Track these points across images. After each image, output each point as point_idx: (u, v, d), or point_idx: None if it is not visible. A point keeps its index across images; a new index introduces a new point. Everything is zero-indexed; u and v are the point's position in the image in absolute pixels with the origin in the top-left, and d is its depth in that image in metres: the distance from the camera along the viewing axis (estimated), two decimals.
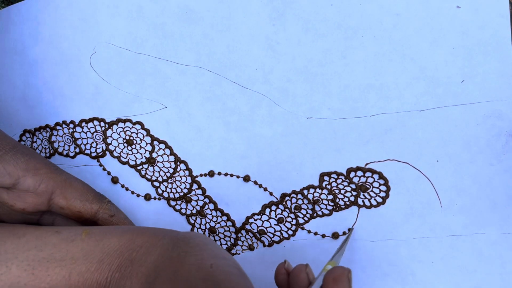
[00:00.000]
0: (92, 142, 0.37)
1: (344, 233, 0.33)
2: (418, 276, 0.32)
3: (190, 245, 0.27)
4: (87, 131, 0.37)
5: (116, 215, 0.33)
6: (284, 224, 0.35)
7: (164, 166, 0.36)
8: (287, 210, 0.34)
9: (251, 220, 0.35)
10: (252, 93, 0.33)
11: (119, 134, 0.36)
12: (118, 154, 0.37)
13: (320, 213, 0.34)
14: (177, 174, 0.36)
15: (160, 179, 0.36)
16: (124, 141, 0.36)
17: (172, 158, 0.35)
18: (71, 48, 0.36)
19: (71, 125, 0.37)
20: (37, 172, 0.30)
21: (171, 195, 0.36)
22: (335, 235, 0.33)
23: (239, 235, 0.36)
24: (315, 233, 0.34)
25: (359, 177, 0.32)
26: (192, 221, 0.37)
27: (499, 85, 0.29)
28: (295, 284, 0.26)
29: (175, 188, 0.36)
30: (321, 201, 0.33)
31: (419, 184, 0.31)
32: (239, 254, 0.36)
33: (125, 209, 0.37)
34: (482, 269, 0.31)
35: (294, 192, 0.33)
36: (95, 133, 0.37)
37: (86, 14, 0.35)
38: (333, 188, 0.33)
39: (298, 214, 0.34)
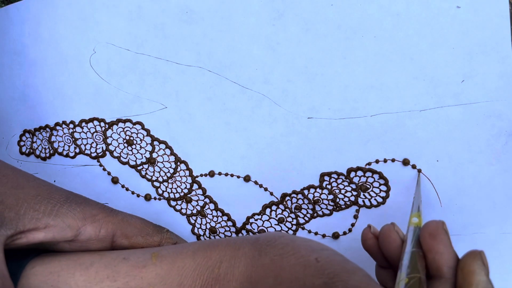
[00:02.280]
0: (92, 142, 0.37)
1: (344, 233, 0.33)
2: None
3: (279, 246, 0.25)
4: (87, 131, 0.37)
5: (178, 242, 0.32)
6: (284, 224, 0.35)
7: (164, 166, 0.36)
8: (287, 210, 0.34)
9: (251, 220, 0.35)
10: (252, 93, 0.33)
11: (119, 134, 0.36)
12: (118, 154, 0.37)
13: (320, 213, 0.34)
14: (177, 174, 0.36)
15: (160, 179, 0.36)
16: (124, 141, 0.36)
17: (172, 158, 0.35)
18: (71, 48, 0.36)
19: (71, 125, 0.37)
20: (95, 218, 0.29)
21: (172, 195, 0.36)
22: (335, 235, 0.34)
23: (240, 235, 0.36)
24: (316, 233, 0.34)
25: (359, 177, 0.32)
26: (193, 221, 0.37)
27: (499, 85, 0.29)
28: (387, 245, 0.25)
29: (175, 188, 0.36)
30: (321, 201, 0.33)
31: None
32: None
33: (126, 209, 0.37)
34: None
35: (294, 192, 0.34)
36: (95, 133, 0.37)
37: (85, 14, 0.35)
38: (334, 188, 0.33)
39: (299, 214, 0.34)
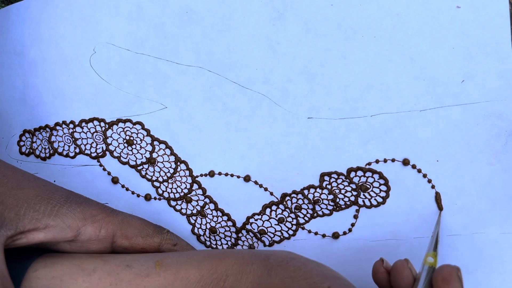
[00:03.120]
0: (92, 142, 0.37)
1: (344, 233, 0.33)
2: None
3: (291, 268, 0.25)
4: (87, 131, 0.37)
5: (178, 243, 0.32)
6: (284, 224, 0.35)
7: (164, 166, 0.36)
8: (287, 210, 0.34)
9: (251, 220, 0.35)
10: (252, 93, 0.33)
11: (119, 134, 0.36)
12: (118, 154, 0.37)
13: (320, 213, 0.34)
14: (177, 174, 0.36)
15: (160, 179, 0.36)
16: (124, 141, 0.36)
17: (172, 158, 0.35)
18: (71, 48, 0.36)
19: (71, 125, 0.37)
20: (95, 219, 0.29)
21: (172, 195, 0.36)
22: (335, 235, 0.34)
23: (240, 235, 0.36)
24: (316, 233, 0.34)
25: (359, 177, 0.32)
26: (193, 221, 0.37)
27: (499, 85, 0.29)
28: (399, 281, 0.25)
29: (175, 188, 0.36)
30: (321, 201, 0.33)
31: (419, 184, 0.31)
32: None
33: (126, 209, 0.37)
34: (482, 269, 0.31)
35: (294, 192, 0.34)
36: (95, 133, 0.37)
37: (86, 14, 0.35)
38: (334, 188, 0.33)
39: (299, 214, 0.34)
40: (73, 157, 0.38)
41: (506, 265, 0.31)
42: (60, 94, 0.37)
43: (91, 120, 0.36)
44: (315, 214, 0.34)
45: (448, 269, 0.23)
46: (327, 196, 0.33)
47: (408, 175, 0.31)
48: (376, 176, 0.32)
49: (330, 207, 0.33)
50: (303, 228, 0.34)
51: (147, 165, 0.36)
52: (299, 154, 0.33)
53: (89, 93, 0.36)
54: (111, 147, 0.37)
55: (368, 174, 0.32)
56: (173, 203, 0.37)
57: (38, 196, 0.27)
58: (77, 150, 0.38)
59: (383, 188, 0.32)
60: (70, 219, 0.28)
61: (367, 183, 0.32)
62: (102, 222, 0.29)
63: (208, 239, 0.37)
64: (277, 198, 0.34)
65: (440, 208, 0.31)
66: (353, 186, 0.32)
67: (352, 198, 0.33)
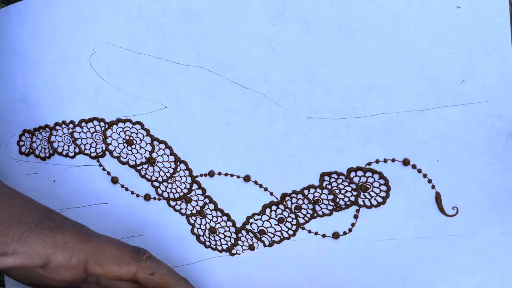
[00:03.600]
0: (92, 142, 0.37)
1: (344, 233, 0.33)
2: (418, 276, 0.32)
3: None
4: (86, 131, 0.37)
5: (156, 272, 0.31)
6: (284, 224, 0.35)
7: (164, 166, 0.36)
8: (287, 210, 0.34)
9: (251, 220, 0.35)
10: (252, 93, 0.33)
11: (119, 134, 0.36)
12: (118, 154, 0.37)
13: (320, 213, 0.34)
14: (177, 174, 0.36)
15: (160, 179, 0.36)
16: (124, 141, 0.36)
17: (172, 158, 0.35)
18: (71, 48, 0.36)
19: (71, 125, 0.37)
20: (66, 246, 0.28)
21: (171, 195, 0.36)
22: (335, 235, 0.34)
23: (240, 235, 0.36)
24: (316, 233, 0.34)
25: (360, 177, 0.32)
26: (192, 221, 0.37)
27: (499, 85, 0.29)
28: None
29: (175, 188, 0.36)
30: (321, 201, 0.33)
31: (419, 184, 0.31)
32: (239, 254, 0.36)
33: (125, 209, 0.37)
34: (482, 269, 0.31)
35: (294, 192, 0.34)
36: (95, 133, 0.37)
37: (85, 14, 0.35)
38: (334, 188, 0.33)
39: (299, 214, 0.34)
40: (72, 157, 0.38)
41: (506, 265, 0.31)
42: (60, 94, 0.37)
43: (91, 120, 0.36)
44: (315, 214, 0.34)
45: None
46: (327, 196, 0.33)
47: (408, 175, 0.31)
48: (376, 176, 0.32)
49: (330, 207, 0.33)
50: (303, 228, 0.34)
51: (146, 165, 0.36)
52: (299, 154, 0.33)
53: (89, 93, 0.36)
54: (110, 147, 0.37)
55: (368, 174, 0.32)
56: (172, 203, 0.37)
57: (10, 219, 0.27)
58: (77, 150, 0.38)
59: (383, 188, 0.32)
60: (39, 246, 0.27)
61: (367, 183, 0.32)
62: (74, 250, 0.28)
63: (207, 239, 0.37)
64: (277, 198, 0.34)
65: (440, 208, 0.31)
66: (353, 186, 0.32)
67: (352, 198, 0.33)
